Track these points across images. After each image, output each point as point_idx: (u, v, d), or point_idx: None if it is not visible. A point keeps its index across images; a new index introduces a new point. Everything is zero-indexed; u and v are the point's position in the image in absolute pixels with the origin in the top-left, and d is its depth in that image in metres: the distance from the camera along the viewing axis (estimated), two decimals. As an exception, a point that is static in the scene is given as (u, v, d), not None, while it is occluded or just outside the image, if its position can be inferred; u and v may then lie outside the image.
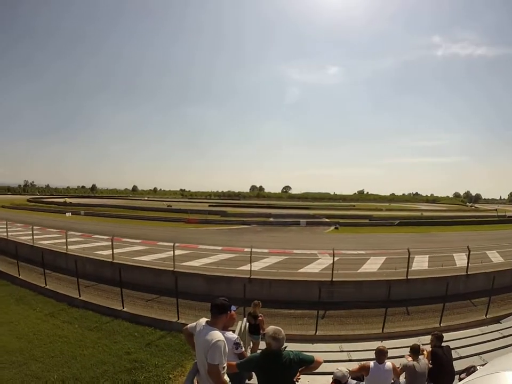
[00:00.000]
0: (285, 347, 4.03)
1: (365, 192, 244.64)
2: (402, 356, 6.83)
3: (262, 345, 8.09)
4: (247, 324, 8.39)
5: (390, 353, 6.23)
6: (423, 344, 6.87)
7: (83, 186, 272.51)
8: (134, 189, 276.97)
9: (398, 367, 6.07)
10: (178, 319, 13.19)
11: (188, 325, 4.34)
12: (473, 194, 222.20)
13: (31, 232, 25.24)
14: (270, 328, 4.05)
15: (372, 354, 6.06)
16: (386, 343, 6.63)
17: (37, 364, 10.54)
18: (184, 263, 19.54)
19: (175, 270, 17.55)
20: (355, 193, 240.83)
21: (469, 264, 17.66)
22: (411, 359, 6.20)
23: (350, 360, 8.28)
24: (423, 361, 6.11)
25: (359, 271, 19.27)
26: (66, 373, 9.97)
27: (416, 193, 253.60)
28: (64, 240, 23.06)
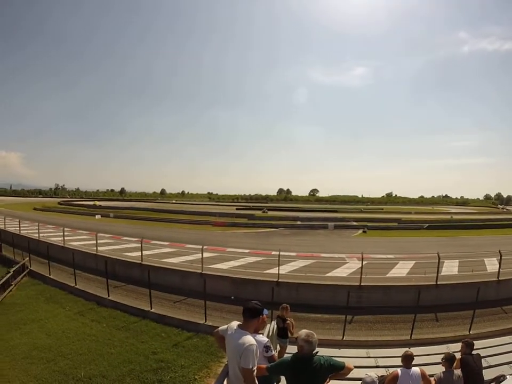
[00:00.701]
0: (317, 352, 3.98)
1: (393, 195, 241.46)
2: (430, 363, 6.64)
3: (289, 349, 8.05)
4: (275, 327, 8.33)
5: (418, 360, 6.14)
6: (453, 352, 6.62)
7: (112, 190, 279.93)
8: (162, 192, 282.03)
9: (429, 375, 5.86)
10: (205, 321, 13.22)
11: (219, 328, 4.36)
12: (505, 196, 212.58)
13: (62, 233, 26.04)
14: (303, 331, 4.02)
15: (399, 361, 5.93)
16: (414, 350, 6.41)
17: (65, 360, 10.83)
18: (211, 266, 19.62)
19: (203, 272, 17.66)
20: (383, 196, 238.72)
21: (501, 270, 16.89)
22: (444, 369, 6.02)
23: (377, 367, 8.13)
24: (457, 373, 5.95)
25: (387, 275, 18.81)
26: (94, 371, 10.19)
27: (446, 195, 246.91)
28: (94, 242, 23.68)
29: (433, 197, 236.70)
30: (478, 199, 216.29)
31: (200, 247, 19.05)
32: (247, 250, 26.63)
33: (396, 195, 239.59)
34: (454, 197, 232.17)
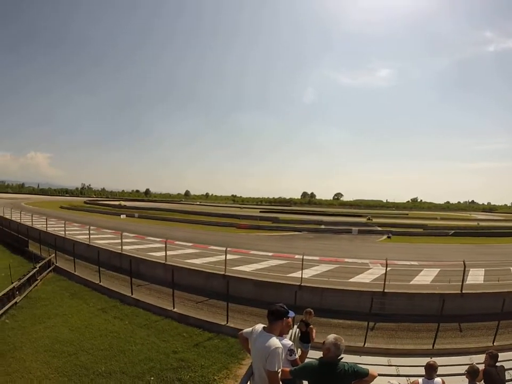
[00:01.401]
0: (342, 357, 3.96)
1: (419, 200, 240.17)
2: (452, 374, 6.45)
3: (310, 354, 7.99)
4: (298, 332, 8.29)
5: (440, 370, 5.99)
6: (476, 363, 6.40)
7: (137, 191, 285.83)
8: (187, 193, 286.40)
9: None
10: (227, 323, 13.22)
11: (244, 330, 4.45)
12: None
13: (87, 231, 26.74)
14: (332, 335, 4.04)
15: (421, 371, 5.90)
16: (436, 360, 6.23)
17: (86, 355, 11.04)
18: (234, 268, 19.65)
19: (226, 274, 17.71)
20: (408, 201, 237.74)
21: (528, 280, 16.23)
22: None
23: (398, 375, 8.02)
24: None
25: (411, 282, 18.45)
26: (114, 366, 10.34)
27: (472, 201, 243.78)
28: (118, 241, 24.18)
29: (459, 202, 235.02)
30: (505, 205, 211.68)
31: (224, 249, 19.11)
32: (270, 253, 26.64)
33: (421, 200, 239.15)
34: (481, 203, 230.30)
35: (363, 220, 70.87)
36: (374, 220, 69.51)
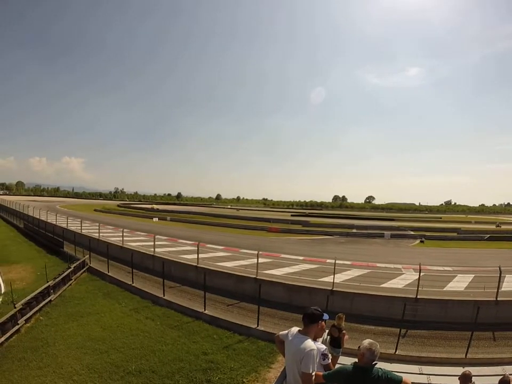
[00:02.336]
0: (376, 363, 3.96)
1: (452, 203, 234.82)
2: None
3: (340, 359, 7.96)
4: (328, 337, 8.23)
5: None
6: (509, 374, 6.08)
7: (169, 194, 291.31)
8: (218, 197, 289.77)
9: None
10: (257, 326, 13.18)
11: (280, 333, 4.54)
12: None
13: (120, 234, 27.44)
14: (367, 340, 4.05)
15: (451, 380, 5.78)
16: (468, 370, 6.00)
17: (117, 353, 11.29)
18: (265, 271, 19.62)
19: (257, 277, 17.70)
20: (442, 204, 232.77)
21: None
22: None
23: None
24: None
25: (444, 289, 17.87)
26: (144, 365, 10.51)
27: (508, 203, 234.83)
28: (151, 243, 24.78)
29: (494, 205, 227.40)
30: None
31: (255, 252, 19.18)
32: (301, 257, 26.48)
33: (455, 203, 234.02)
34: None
35: (395, 224, 69.40)
36: (406, 224, 67.77)
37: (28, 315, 13.75)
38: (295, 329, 4.29)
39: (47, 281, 16.74)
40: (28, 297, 14.63)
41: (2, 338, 11.80)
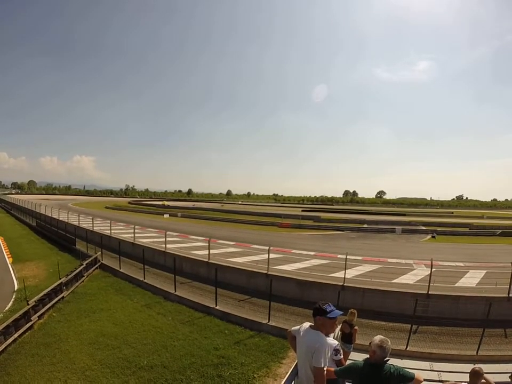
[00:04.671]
0: (388, 359, 3.96)
1: (464, 198, 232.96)
2: (495, 383, 6.06)
3: (352, 355, 7.96)
4: (340, 332, 8.21)
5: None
6: None
7: (180, 191, 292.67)
8: (228, 193, 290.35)
9: None
10: (268, 321, 13.19)
11: (292, 328, 4.56)
12: None
13: (132, 230, 27.68)
14: (378, 337, 4.03)
15: (463, 377, 5.73)
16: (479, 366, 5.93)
17: (129, 348, 11.38)
18: (276, 267, 19.63)
19: (268, 273, 17.70)
20: (453, 199, 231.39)
21: None
22: None
23: (440, 381, 7.82)
24: None
25: (456, 284, 17.69)
26: (156, 360, 10.57)
27: None
28: (162, 239, 24.95)
29: (507, 200, 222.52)
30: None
31: (266, 247, 19.15)
32: (312, 253, 26.49)
33: (466, 198, 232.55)
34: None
35: (406, 219, 69.04)
36: (417, 219, 67.49)
37: (41, 311, 13.91)
38: (306, 325, 4.32)
39: (60, 278, 16.94)
40: (41, 294, 14.79)
41: (16, 335, 11.96)
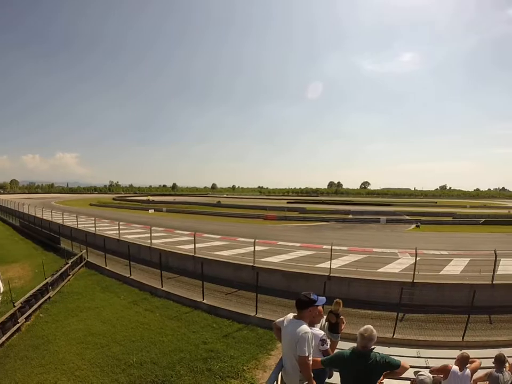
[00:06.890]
0: (374, 348, 4.05)
1: (447, 188, 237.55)
2: (481, 368, 6.28)
3: (340, 345, 8.02)
4: (326, 323, 8.32)
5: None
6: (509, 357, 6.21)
7: (164, 185, 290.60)
8: (213, 187, 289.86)
9: (479, 375, 5.82)
10: (256, 313, 13.33)
11: (277, 320, 4.57)
12: None
13: (117, 227, 27.50)
14: (365, 326, 4.10)
15: (449, 363, 5.79)
16: (465, 352, 6.14)
17: (118, 346, 11.41)
18: (263, 259, 19.74)
19: (255, 265, 17.82)
20: (437, 189, 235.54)
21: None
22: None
23: (428, 367, 7.94)
24: (507, 374, 5.75)
25: (440, 272, 17.98)
26: (145, 357, 10.63)
27: (503, 188, 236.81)
28: (147, 235, 24.90)
29: (489, 189, 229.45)
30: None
31: (252, 240, 19.24)
32: (298, 244, 26.66)
33: (450, 188, 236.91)
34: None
35: (391, 209, 70.02)
36: (401, 209, 68.55)
37: (28, 313, 13.80)
38: (290, 316, 4.34)
39: (45, 278, 16.77)
40: (27, 295, 14.64)
41: (3, 338, 11.85)
